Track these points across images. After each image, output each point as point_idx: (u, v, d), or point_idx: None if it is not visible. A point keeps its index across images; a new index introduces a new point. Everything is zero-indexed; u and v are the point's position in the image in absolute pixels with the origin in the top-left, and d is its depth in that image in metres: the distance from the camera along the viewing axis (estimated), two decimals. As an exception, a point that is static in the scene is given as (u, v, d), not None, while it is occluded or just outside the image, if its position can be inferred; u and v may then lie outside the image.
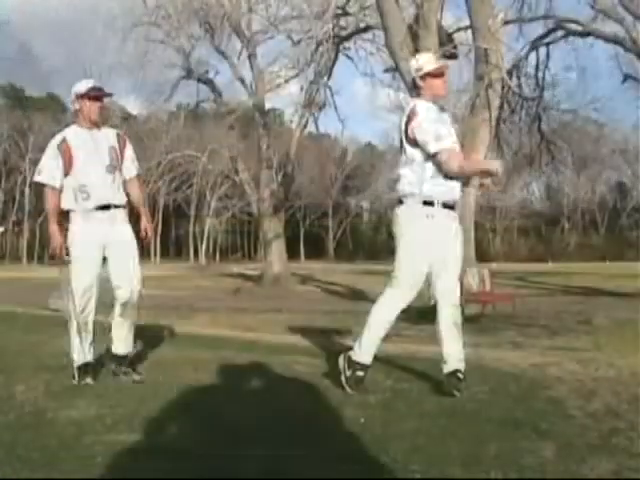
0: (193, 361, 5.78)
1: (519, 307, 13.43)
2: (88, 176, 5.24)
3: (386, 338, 4.99)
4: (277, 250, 31.12)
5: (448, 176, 4.72)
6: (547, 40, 19.19)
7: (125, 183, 5.47)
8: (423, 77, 4.86)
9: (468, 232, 13.76)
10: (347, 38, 27.22)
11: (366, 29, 26.04)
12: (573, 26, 18.25)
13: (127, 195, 5.46)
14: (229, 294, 26.48)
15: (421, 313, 7.72)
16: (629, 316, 12.44)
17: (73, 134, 5.35)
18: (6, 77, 76.82)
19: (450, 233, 4.86)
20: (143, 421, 3.93)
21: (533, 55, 19.55)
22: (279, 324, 12.05)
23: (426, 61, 4.91)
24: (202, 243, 79.95)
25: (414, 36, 14.05)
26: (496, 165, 4.81)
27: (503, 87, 15.14)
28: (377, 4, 15.04)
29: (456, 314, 4.84)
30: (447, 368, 4.74)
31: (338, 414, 4.08)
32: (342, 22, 26.03)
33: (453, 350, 4.77)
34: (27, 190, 74.66)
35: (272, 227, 30.76)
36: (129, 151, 5.53)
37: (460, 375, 4.71)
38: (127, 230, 5.40)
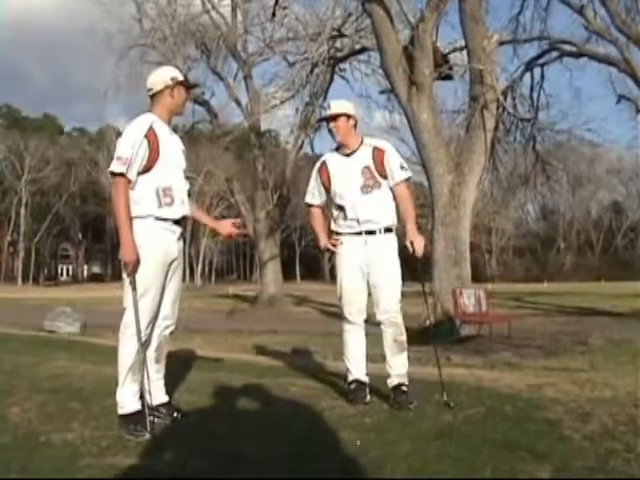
0: (187, 383, 5.74)
1: (515, 328, 13.39)
2: (171, 177, 4.36)
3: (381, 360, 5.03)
4: (273, 271, 31.13)
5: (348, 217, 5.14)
6: (542, 61, 19.33)
7: None
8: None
9: (464, 253, 13.80)
10: (343, 59, 27.39)
11: (362, 50, 26.21)
12: (567, 47, 18.40)
13: None
14: (224, 315, 26.43)
15: (416, 334, 7.71)
16: (625, 336, 12.47)
17: (158, 123, 4.35)
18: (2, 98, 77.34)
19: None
20: (139, 444, 3.90)
21: (528, 76, 19.72)
22: (275, 345, 12.04)
23: (331, 107, 5.29)
24: (197, 264, 79.83)
25: (409, 57, 14.14)
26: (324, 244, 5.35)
27: (498, 108, 15.23)
28: (373, 26, 15.14)
29: (397, 332, 5.06)
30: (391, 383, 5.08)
31: (334, 437, 4.05)
32: (338, 44, 26.20)
33: (394, 364, 5.07)
34: (23, 211, 74.77)
35: (268, 248, 30.77)
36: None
37: (404, 388, 5.01)
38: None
